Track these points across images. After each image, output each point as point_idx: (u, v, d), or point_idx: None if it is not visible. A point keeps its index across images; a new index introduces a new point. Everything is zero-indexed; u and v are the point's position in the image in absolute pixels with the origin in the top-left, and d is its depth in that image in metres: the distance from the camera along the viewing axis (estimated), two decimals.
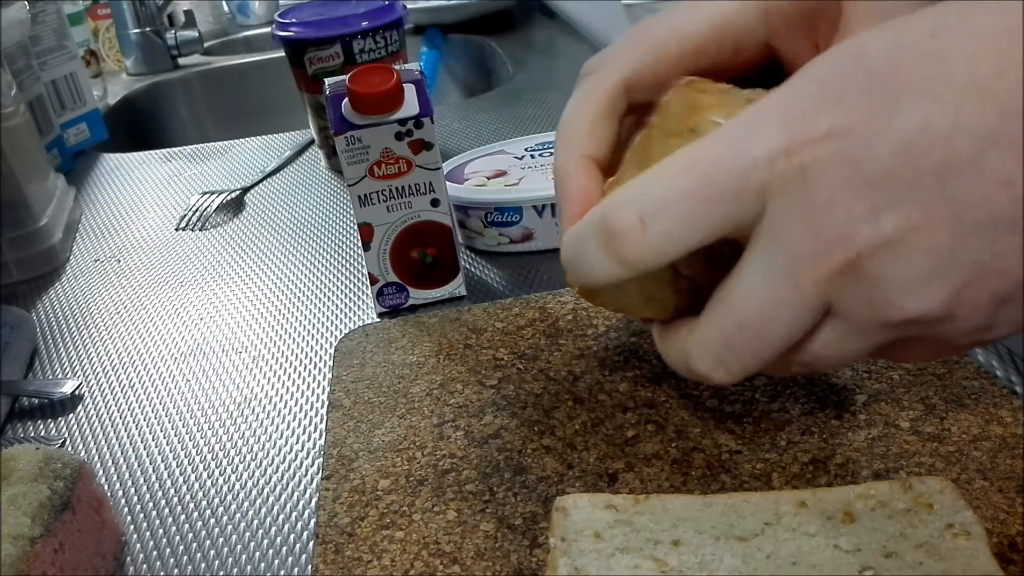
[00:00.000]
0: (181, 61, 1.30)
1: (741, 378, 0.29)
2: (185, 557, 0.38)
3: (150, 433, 0.47)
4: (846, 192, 0.24)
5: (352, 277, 0.61)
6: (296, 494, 0.41)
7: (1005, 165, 0.23)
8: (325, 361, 0.51)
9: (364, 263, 0.54)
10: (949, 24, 0.24)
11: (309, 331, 0.55)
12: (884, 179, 0.24)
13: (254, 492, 0.41)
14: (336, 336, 0.53)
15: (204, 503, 0.41)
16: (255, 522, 0.39)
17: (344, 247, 0.66)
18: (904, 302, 0.25)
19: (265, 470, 0.42)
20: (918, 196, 0.23)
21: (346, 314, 0.56)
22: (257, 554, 0.38)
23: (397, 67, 0.51)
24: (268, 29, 0.84)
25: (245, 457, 0.44)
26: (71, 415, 0.49)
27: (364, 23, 0.73)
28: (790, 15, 0.33)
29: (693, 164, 0.26)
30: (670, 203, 0.26)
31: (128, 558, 0.38)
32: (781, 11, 0.33)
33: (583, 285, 0.31)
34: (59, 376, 0.54)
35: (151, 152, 0.96)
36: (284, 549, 0.38)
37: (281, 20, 0.76)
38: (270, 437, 0.45)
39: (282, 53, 0.79)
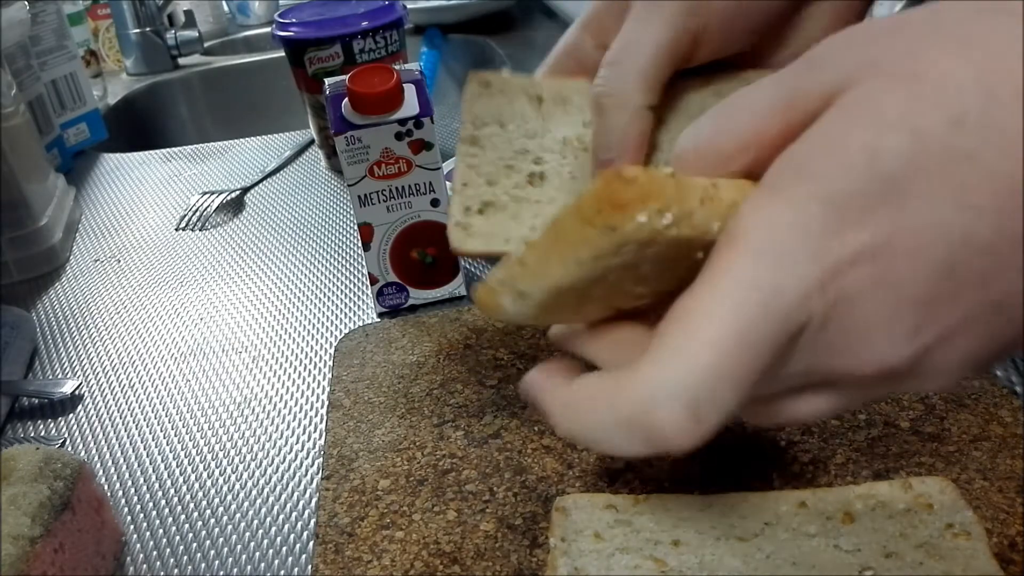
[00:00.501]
0: (181, 61, 1.30)
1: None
2: (185, 557, 0.38)
3: (150, 433, 0.47)
4: (887, 315, 0.22)
5: (352, 277, 0.61)
6: (296, 494, 0.41)
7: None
8: (325, 361, 0.51)
9: (364, 263, 0.54)
10: (974, 112, 0.21)
11: (309, 331, 0.55)
12: (927, 300, 0.22)
13: (254, 492, 0.41)
14: (336, 336, 0.53)
15: (204, 503, 0.41)
16: (255, 522, 0.39)
17: (344, 247, 0.66)
18: (931, 384, 0.24)
19: (265, 470, 0.42)
20: (959, 308, 0.22)
21: (346, 314, 0.56)
22: (257, 554, 0.38)
23: (397, 67, 0.51)
24: (268, 29, 0.84)
25: (245, 457, 0.44)
26: (71, 415, 0.49)
27: (364, 23, 0.73)
28: (606, 17, 0.36)
29: (727, 330, 0.22)
30: (719, 388, 0.22)
31: (128, 558, 0.38)
32: (597, 20, 0.37)
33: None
34: (59, 376, 0.54)
35: (151, 152, 0.96)
36: (284, 549, 0.38)
37: (281, 20, 0.76)
38: (270, 437, 0.45)
39: (282, 53, 0.79)
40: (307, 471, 0.42)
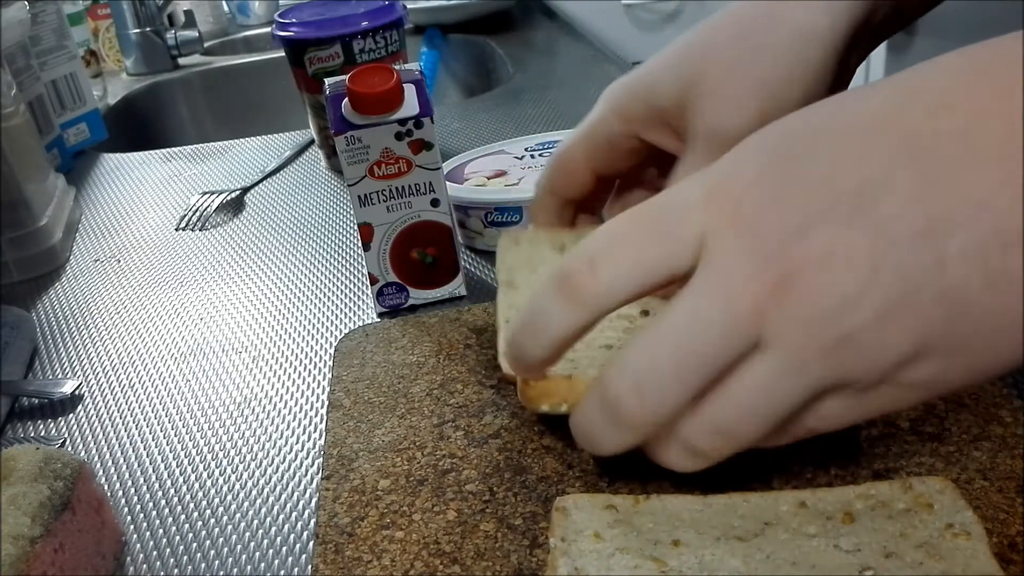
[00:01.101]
0: (181, 61, 1.30)
1: (654, 411, 0.28)
2: (185, 557, 0.38)
3: (150, 433, 0.47)
4: (776, 216, 0.26)
5: (352, 277, 0.61)
6: (296, 494, 0.41)
7: (911, 183, 0.25)
8: (325, 361, 0.51)
9: (364, 263, 0.54)
10: (841, 99, 0.28)
11: (309, 331, 0.55)
12: (808, 201, 0.26)
13: (254, 492, 0.41)
14: (336, 336, 0.53)
15: (204, 503, 0.41)
16: (255, 522, 0.39)
17: (344, 247, 0.66)
18: (836, 318, 0.25)
19: (265, 470, 0.42)
20: (839, 214, 0.26)
21: (346, 314, 0.56)
22: (257, 554, 0.38)
23: (397, 67, 0.51)
24: (268, 29, 0.84)
25: (245, 457, 0.44)
26: (71, 415, 0.49)
27: (364, 23, 0.73)
28: (644, 116, 0.42)
29: (635, 212, 0.29)
30: (615, 244, 0.29)
31: (128, 558, 0.38)
32: (634, 114, 0.42)
33: (540, 350, 0.32)
34: (59, 376, 0.54)
35: (151, 152, 0.96)
36: (284, 549, 0.38)
37: (281, 20, 0.76)
38: (270, 437, 0.45)
39: (282, 53, 0.79)
40: (307, 471, 0.42)
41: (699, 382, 0.28)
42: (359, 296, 0.58)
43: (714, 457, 0.30)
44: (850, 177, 0.26)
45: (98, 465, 0.45)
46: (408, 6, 0.98)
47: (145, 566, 0.38)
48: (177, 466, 0.44)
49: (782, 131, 0.29)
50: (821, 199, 0.26)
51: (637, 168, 0.46)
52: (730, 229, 0.27)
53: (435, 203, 0.51)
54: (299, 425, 0.45)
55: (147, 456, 0.45)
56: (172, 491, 0.42)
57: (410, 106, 0.50)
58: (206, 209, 0.76)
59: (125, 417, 0.49)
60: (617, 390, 0.29)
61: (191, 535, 0.39)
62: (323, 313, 0.57)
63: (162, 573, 0.37)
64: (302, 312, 0.57)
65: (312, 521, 0.39)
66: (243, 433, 0.45)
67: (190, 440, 0.46)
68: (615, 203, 0.48)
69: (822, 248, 0.26)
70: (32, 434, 0.48)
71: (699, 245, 0.28)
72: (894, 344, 0.25)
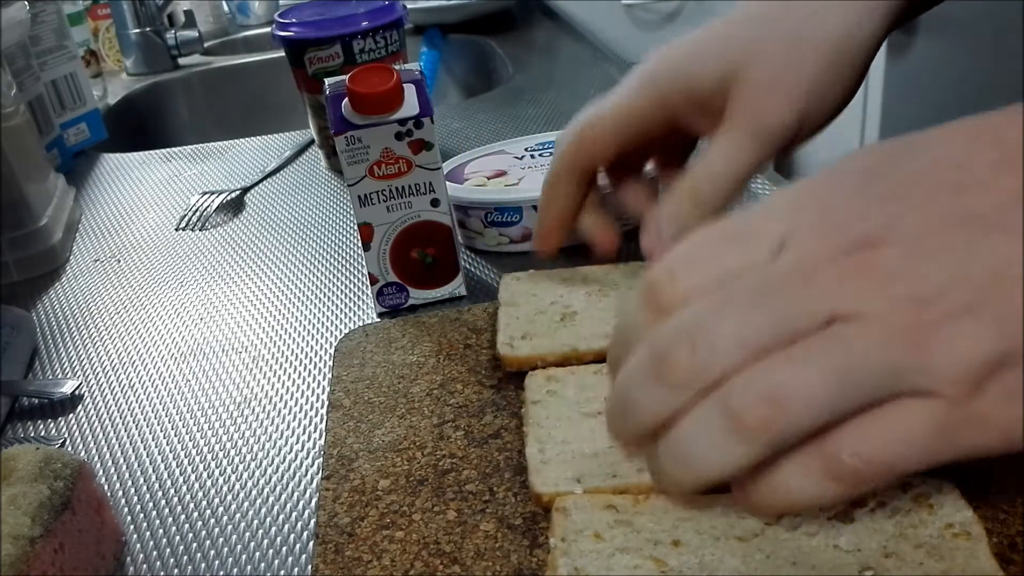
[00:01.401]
0: (181, 61, 1.30)
1: (703, 367, 0.26)
2: (185, 557, 0.38)
3: (150, 433, 0.47)
4: (865, 207, 0.27)
5: (352, 277, 0.61)
6: (296, 494, 0.41)
7: (1012, 184, 0.25)
8: (325, 361, 0.51)
9: (364, 263, 0.54)
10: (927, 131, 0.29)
11: (309, 331, 0.55)
12: (900, 197, 0.26)
13: (254, 492, 0.41)
14: (336, 336, 0.53)
15: (204, 503, 0.41)
16: (255, 522, 0.39)
17: (344, 247, 0.66)
18: (925, 302, 0.25)
19: (265, 470, 0.42)
20: (935, 209, 0.26)
21: (346, 314, 0.56)
22: (257, 554, 0.38)
23: (397, 67, 0.51)
24: (268, 29, 0.84)
25: (245, 457, 0.44)
26: (71, 415, 0.49)
27: (364, 23, 0.73)
28: (683, 103, 0.44)
29: (715, 224, 0.29)
30: (695, 253, 0.29)
31: (128, 558, 0.38)
32: (674, 101, 0.44)
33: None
34: (59, 376, 0.54)
35: (151, 152, 0.96)
36: (284, 549, 0.38)
37: (281, 20, 0.76)
38: (270, 437, 0.45)
39: (282, 53, 0.79)
40: (307, 471, 0.42)
41: (758, 340, 0.26)
42: (359, 296, 0.58)
43: (763, 439, 0.26)
44: (946, 175, 0.26)
45: (98, 465, 0.45)
46: (408, 6, 0.98)
47: (145, 566, 0.38)
48: (177, 466, 0.44)
49: (868, 148, 0.29)
50: (913, 195, 0.26)
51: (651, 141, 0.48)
52: (815, 220, 0.27)
53: (435, 203, 0.51)
54: (299, 425, 0.45)
55: (147, 456, 0.45)
56: (172, 491, 0.42)
57: (410, 106, 0.50)
58: (206, 209, 0.76)
59: (125, 417, 0.49)
60: (668, 344, 0.27)
61: (191, 535, 0.39)
62: (323, 313, 0.57)
63: (162, 573, 0.37)
64: (302, 312, 0.57)
65: (312, 521, 0.39)
66: (243, 433, 0.46)
67: (190, 440, 0.46)
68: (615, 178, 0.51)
69: (913, 235, 0.25)
70: (32, 434, 0.48)
71: (782, 243, 0.27)
72: (985, 337, 0.24)
